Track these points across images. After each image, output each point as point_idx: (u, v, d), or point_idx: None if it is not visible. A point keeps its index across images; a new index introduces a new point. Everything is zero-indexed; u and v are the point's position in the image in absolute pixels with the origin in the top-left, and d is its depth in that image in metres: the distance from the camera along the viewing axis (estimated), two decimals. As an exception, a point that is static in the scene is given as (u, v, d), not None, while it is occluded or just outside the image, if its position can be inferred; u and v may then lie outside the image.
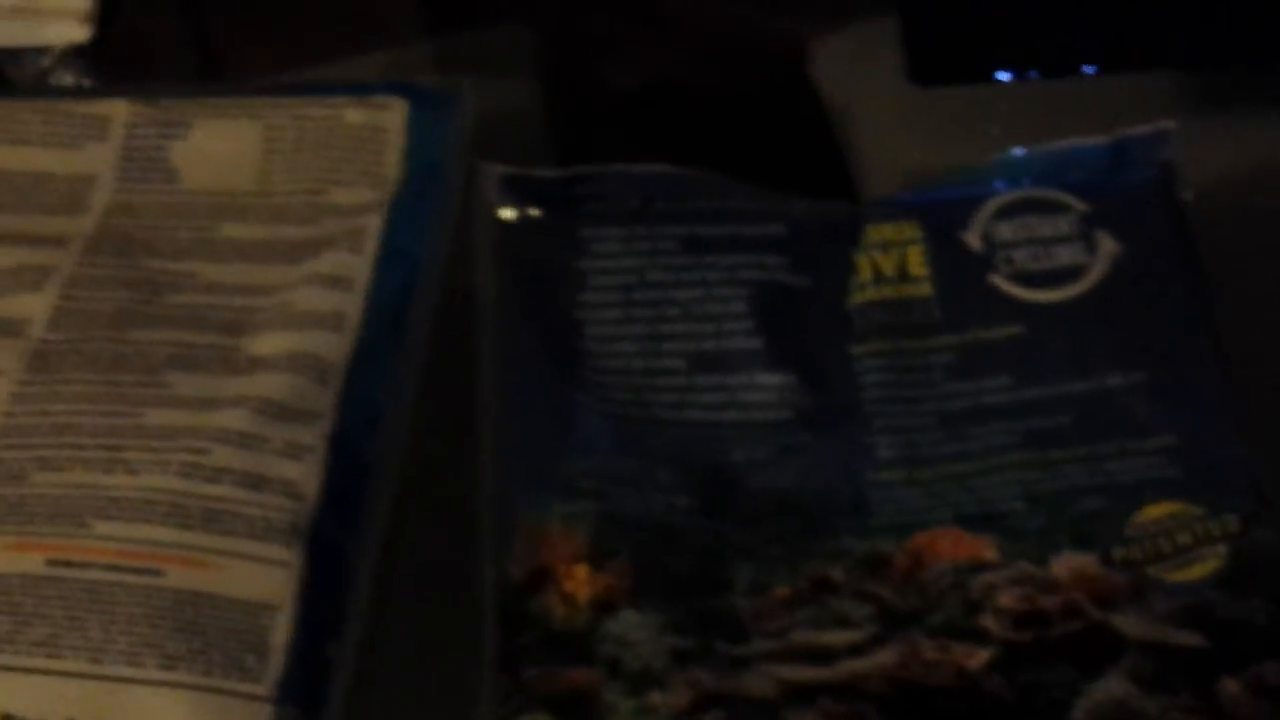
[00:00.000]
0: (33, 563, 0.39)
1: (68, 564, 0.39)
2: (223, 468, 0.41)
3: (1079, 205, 0.46)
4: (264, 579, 0.40)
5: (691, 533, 0.41)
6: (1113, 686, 0.37)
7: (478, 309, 0.46)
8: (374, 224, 0.46)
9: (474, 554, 0.43)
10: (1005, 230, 0.46)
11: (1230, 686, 0.37)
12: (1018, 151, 0.48)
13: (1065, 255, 0.45)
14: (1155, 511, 0.40)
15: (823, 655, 0.38)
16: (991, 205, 0.47)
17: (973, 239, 0.46)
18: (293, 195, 0.48)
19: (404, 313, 0.45)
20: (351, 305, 0.45)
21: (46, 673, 0.38)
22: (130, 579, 0.39)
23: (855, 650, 0.38)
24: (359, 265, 0.46)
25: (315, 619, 0.40)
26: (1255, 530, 0.39)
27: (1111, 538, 0.39)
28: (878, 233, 0.46)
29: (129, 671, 0.38)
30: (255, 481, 0.41)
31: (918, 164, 0.53)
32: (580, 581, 0.41)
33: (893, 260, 0.45)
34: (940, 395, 0.43)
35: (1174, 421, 0.41)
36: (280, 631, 0.39)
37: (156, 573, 0.39)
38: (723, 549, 0.40)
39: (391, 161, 0.48)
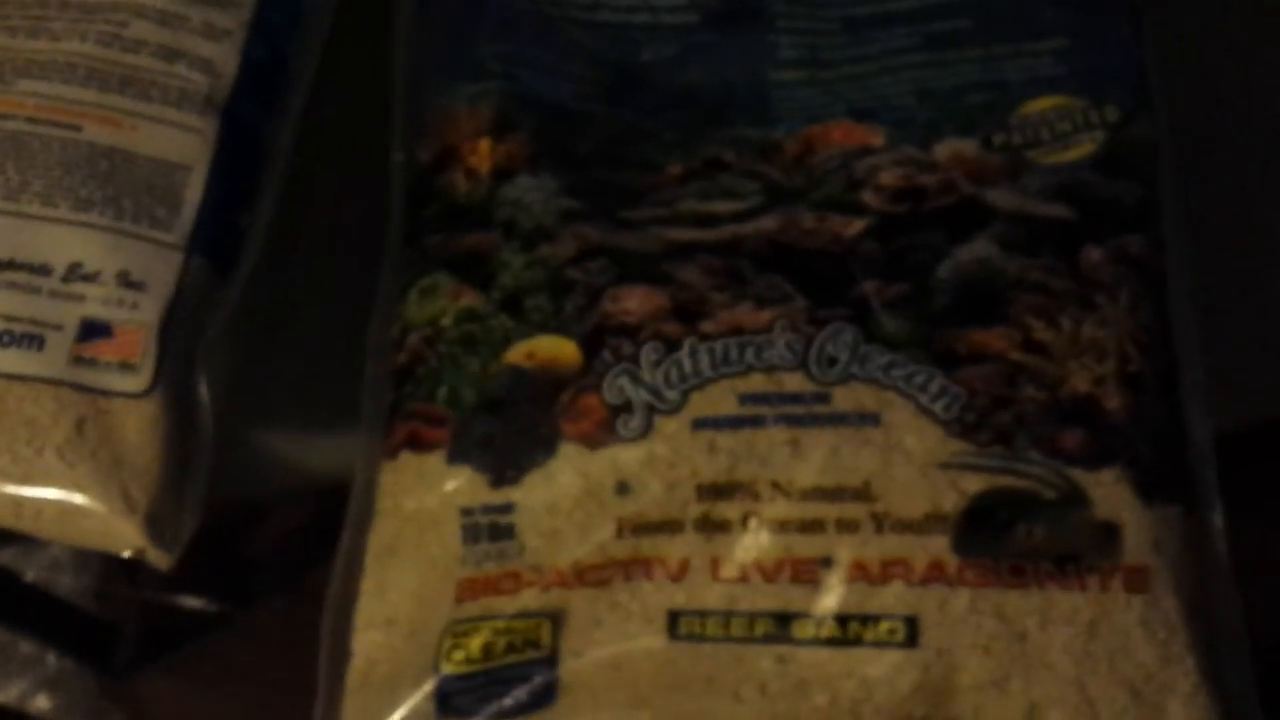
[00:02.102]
0: (-45, 112, 0.42)
1: (-11, 115, 0.42)
2: (140, 39, 0.42)
3: None
4: (177, 142, 0.41)
5: (595, 117, 0.42)
6: (977, 248, 0.38)
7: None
8: None
9: (386, 143, 0.45)
10: None
11: (1092, 253, 0.38)
12: None
13: None
14: (1040, 104, 0.41)
15: (707, 220, 0.40)
16: None
17: None
18: None
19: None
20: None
21: (-36, 208, 0.41)
22: (49, 132, 0.41)
23: (738, 217, 0.40)
24: None
25: (227, 186, 0.42)
26: (1134, 122, 0.40)
27: (994, 126, 0.40)
28: None
29: (43, 211, 0.40)
30: (171, 55, 0.42)
31: None
32: (482, 155, 0.42)
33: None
34: (846, 1, 0.44)
35: (1068, 24, 0.42)
36: (192, 190, 0.41)
37: (74, 128, 0.41)
38: (623, 132, 0.42)
39: None
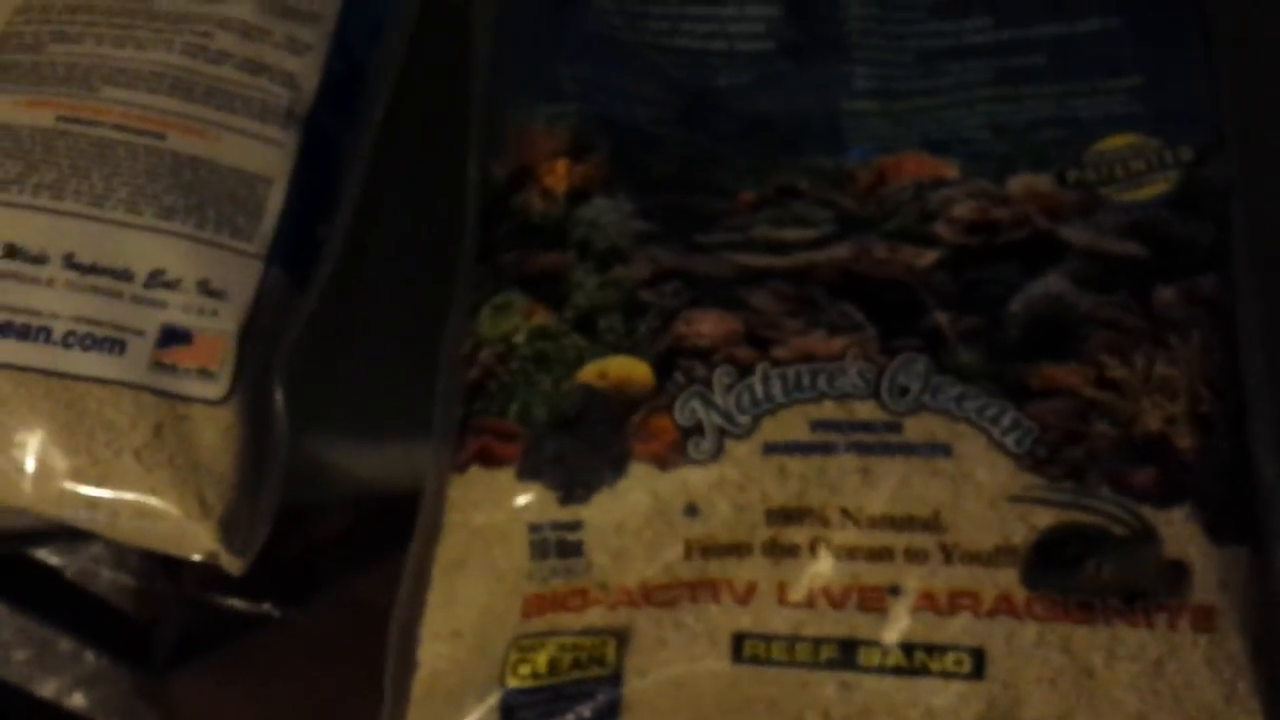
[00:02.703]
0: (44, 117, 0.42)
1: (76, 120, 0.42)
2: (225, 51, 0.43)
3: None
4: (259, 154, 0.42)
5: (670, 141, 0.43)
6: (1051, 283, 0.39)
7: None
8: None
9: (463, 159, 0.46)
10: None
11: (1165, 293, 0.38)
12: None
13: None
14: (1114, 142, 0.42)
15: (779, 247, 0.40)
16: None
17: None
18: None
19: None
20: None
21: (50, 211, 0.40)
22: (134, 139, 0.41)
23: (811, 245, 0.40)
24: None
25: (307, 198, 0.42)
26: (1209, 161, 0.41)
27: (1068, 161, 0.41)
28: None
29: (127, 217, 0.41)
30: (255, 68, 0.43)
31: None
32: (559, 175, 0.43)
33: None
34: (921, 33, 0.44)
35: (1144, 63, 0.42)
36: (272, 201, 0.42)
37: (159, 136, 0.42)
38: (697, 156, 0.42)
39: None
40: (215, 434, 0.38)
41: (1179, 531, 0.35)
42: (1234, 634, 0.35)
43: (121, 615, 0.88)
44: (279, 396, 0.40)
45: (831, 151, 0.42)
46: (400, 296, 0.45)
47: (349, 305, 0.45)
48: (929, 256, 0.40)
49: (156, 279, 0.40)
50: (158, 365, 0.39)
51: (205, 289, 0.40)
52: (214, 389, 0.39)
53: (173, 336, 0.39)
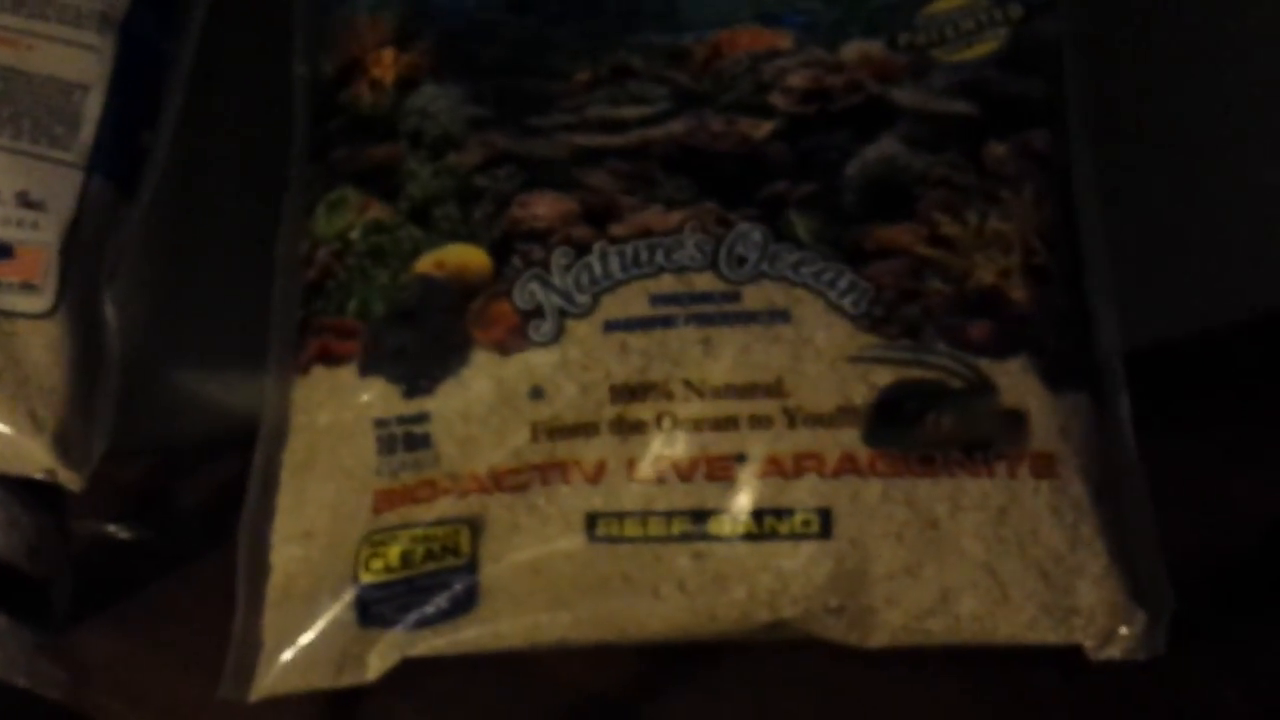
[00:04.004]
0: None
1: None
2: (33, -44, 0.42)
3: None
4: (75, 60, 0.40)
5: (500, 25, 0.42)
6: (884, 146, 0.39)
7: None
8: None
9: (288, 57, 0.45)
10: None
11: (996, 148, 0.38)
12: None
13: None
14: (945, 4, 0.41)
15: (616, 126, 0.40)
16: None
17: None
18: None
19: None
20: None
21: None
22: (-61, 51, 0.41)
23: (646, 122, 0.40)
24: None
25: (127, 105, 0.41)
26: (1038, 18, 0.40)
27: (900, 26, 0.40)
28: None
29: (-63, 130, 0.40)
30: (68, -28, 0.43)
31: None
32: (386, 65, 0.42)
33: None
34: (750, -95, 0.45)
35: (971, -77, 0.43)
36: (90, 108, 0.40)
37: (-35, 47, 0.41)
38: (529, 40, 0.41)
39: None
40: (42, 348, 0.37)
41: (1016, 381, 0.36)
42: (1075, 479, 0.36)
43: (18, 574, 0.86)
44: (109, 308, 0.39)
45: (667, 29, 0.41)
46: (239, 208, 0.45)
47: (183, 222, 0.44)
48: (765, 127, 0.39)
49: (-29, 194, 0.39)
50: (-23, 282, 0.38)
51: (24, 201, 0.38)
52: (38, 302, 0.38)
53: (-8, 251, 0.39)
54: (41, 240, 0.38)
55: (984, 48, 0.40)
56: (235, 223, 0.43)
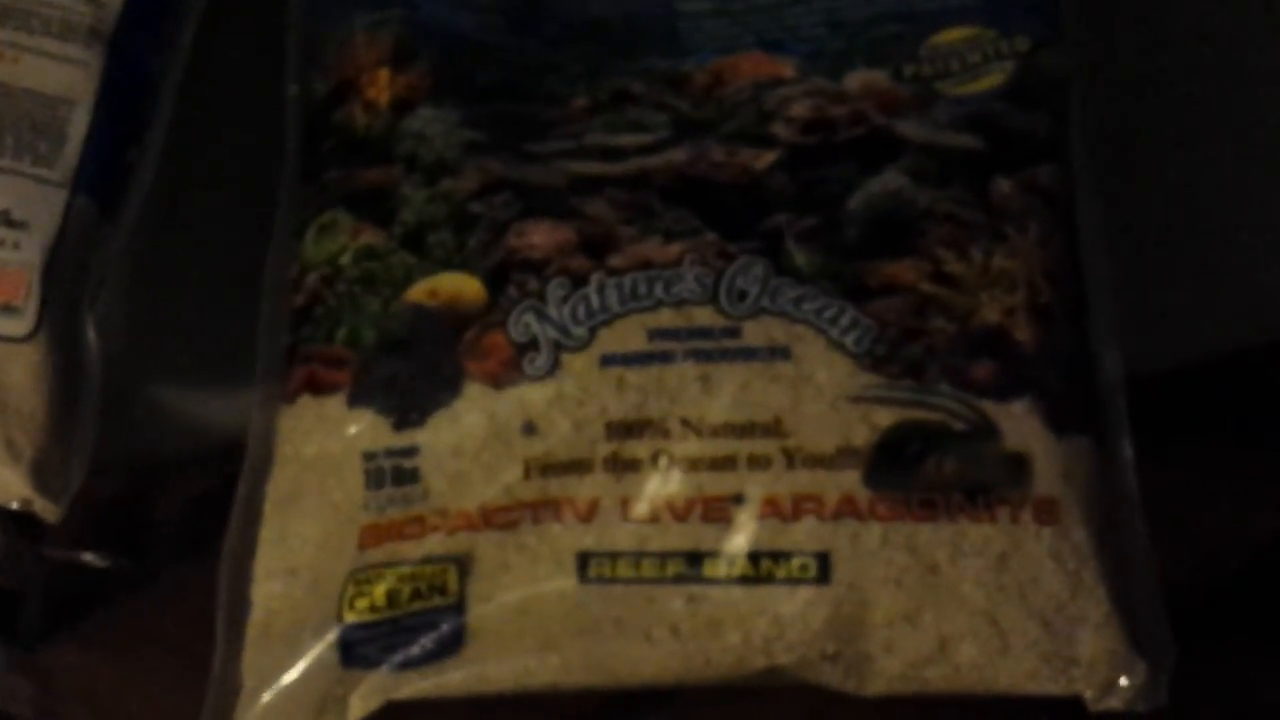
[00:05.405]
0: None
1: None
2: (19, -33, 0.42)
3: None
4: (61, 75, 0.39)
5: (498, 47, 0.41)
6: (888, 180, 0.38)
7: None
8: None
9: (281, 75, 0.44)
10: None
11: (1002, 184, 0.38)
12: None
13: None
14: (950, 35, 0.41)
15: (614, 154, 0.39)
16: None
17: None
18: None
19: None
20: None
21: None
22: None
23: (646, 150, 0.39)
24: None
25: (113, 122, 0.40)
26: (1045, 52, 0.40)
27: (905, 56, 0.40)
28: None
29: (-83, 145, 0.39)
30: (55, -16, 0.42)
31: None
32: (381, 86, 0.41)
33: None
34: (755, -70, 0.44)
35: (977, -48, 0.42)
36: (76, 125, 0.39)
37: (-52, 60, 0.40)
38: (527, 63, 0.41)
39: None
40: (22, 372, 0.36)
41: (1019, 424, 0.35)
42: (1077, 525, 0.35)
43: (-14, 592, 0.85)
44: (91, 331, 0.38)
45: (667, 55, 0.40)
46: (225, 229, 0.44)
47: (169, 241, 0.43)
48: (767, 158, 0.38)
49: (-49, 211, 0.38)
50: (-45, 303, 0.37)
51: (5, 220, 0.37)
52: (18, 325, 0.37)
53: (-29, 272, 0.38)
54: (23, 261, 0.37)
55: (990, 81, 0.39)
56: (222, 245, 0.42)
